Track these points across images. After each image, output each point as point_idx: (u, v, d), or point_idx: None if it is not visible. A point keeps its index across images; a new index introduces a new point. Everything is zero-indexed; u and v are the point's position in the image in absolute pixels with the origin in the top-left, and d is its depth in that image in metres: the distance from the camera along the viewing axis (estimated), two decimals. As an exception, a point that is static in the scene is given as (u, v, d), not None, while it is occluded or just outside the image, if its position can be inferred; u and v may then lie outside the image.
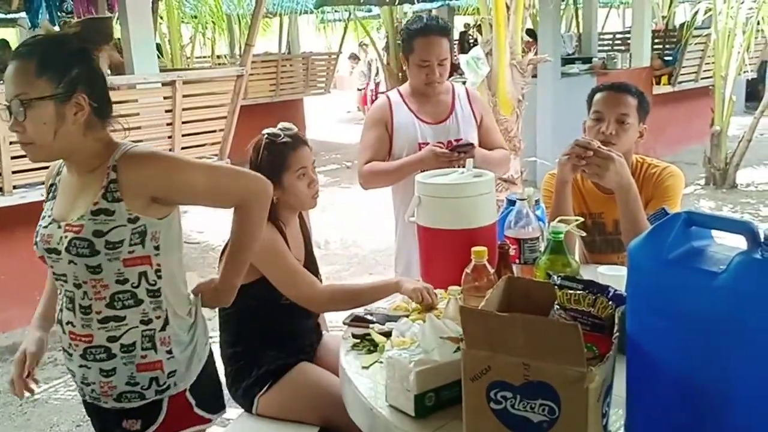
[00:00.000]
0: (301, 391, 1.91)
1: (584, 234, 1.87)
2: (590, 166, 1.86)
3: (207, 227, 5.98)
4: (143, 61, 4.58)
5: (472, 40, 11.24)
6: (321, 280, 2.13)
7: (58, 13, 6.24)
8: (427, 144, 2.35)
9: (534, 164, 5.72)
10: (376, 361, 1.54)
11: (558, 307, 1.28)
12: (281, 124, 2.02)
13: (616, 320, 1.20)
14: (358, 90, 13.46)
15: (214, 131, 4.76)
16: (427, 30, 2.32)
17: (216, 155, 4.69)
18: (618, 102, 2.03)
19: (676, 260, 1.04)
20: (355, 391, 1.44)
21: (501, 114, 4.47)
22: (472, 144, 2.30)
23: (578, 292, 1.28)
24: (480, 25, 13.22)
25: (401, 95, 2.47)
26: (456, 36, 12.20)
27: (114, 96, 3.93)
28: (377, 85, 12.73)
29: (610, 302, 1.25)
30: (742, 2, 6.44)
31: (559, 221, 1.65)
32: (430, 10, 10.67)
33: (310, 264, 2.09)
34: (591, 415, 1.02)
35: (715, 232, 1.09)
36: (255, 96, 9.13)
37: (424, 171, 2.25)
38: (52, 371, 3.44)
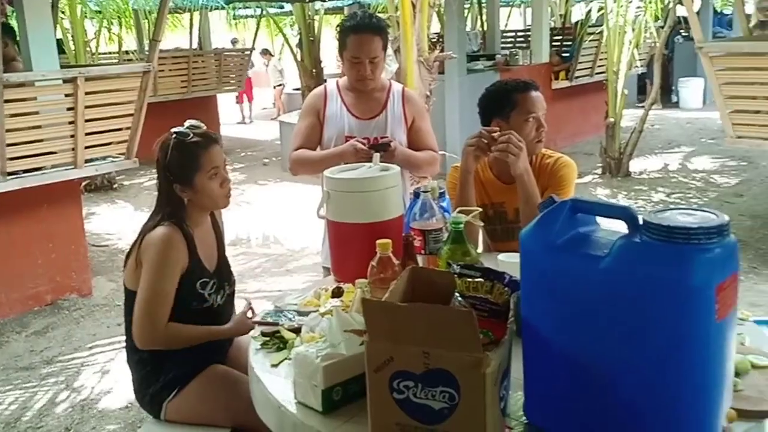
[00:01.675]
0: (212, 393, 1.84)
1: (482, 224, 1.91)
2: (505, 153, 1.91)
3: (119, 228, 5.72)
4: (42, 57, 4.29)
5: (390, 38, 11.25)
6: (234, 282, 2.07)
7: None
8: (353, 138, 2.33)
9: (444, 158, 5.80)
10: (285, 359, 1.50)
11: (458, 295, 1.29)
12: (189, 122, 1.92)
13: (512, 305, 1.22)
14: (275, 87, 13.24)
15: (120, 129, 4.54)
16: (359, 27, 2.29)
17: (122, 154, 4.47)
18: (542, 101, 2.09)
19: (563, 246, 1.07)
20: (263, 390, 1.41)
21: (410, 109, 4.51)
22: (388, 144, 2.28)
23: (476, 279, 1.30)
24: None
25: (338, 87, 2.46)
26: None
27: (10, 94, 3.65)
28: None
29: (506, 288, 1.28)
30: (631, 1, 6.79)
31: (459, 212, 1.67)
32: (361, 5, 10.62)
33: (222, 265, 2.02)
34: (489, 399, 1.04)
35: (601, 218, 1.13)
36: (166, 93, 8.79)
37: (346, 163, 2.24)
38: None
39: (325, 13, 11.77)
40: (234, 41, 14.27)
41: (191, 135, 1.87)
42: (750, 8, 6.97)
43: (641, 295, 0.96)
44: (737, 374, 1.24)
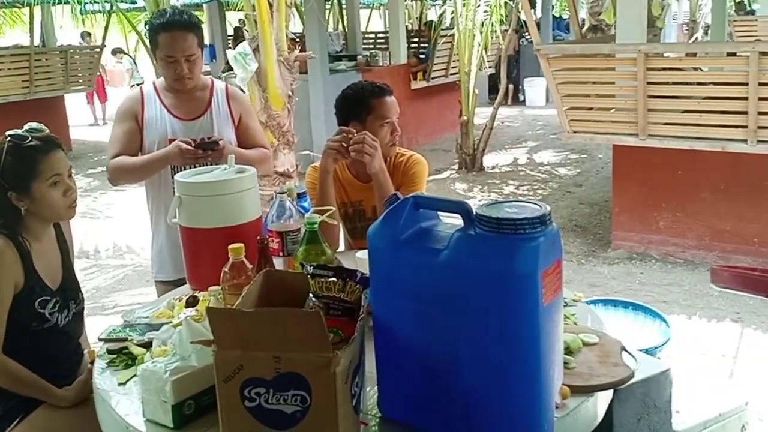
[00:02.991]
0: (59, 421, 1.67)
1: (336, 222, 1.91)
2: (361, 153, 1.92)
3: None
4: None
5: (249, 36, 11.01)
6: (82, 298, 1.89)
7: None
8: (177, 140, 2.19)
9: (308, 158, 5.77)
10: (133, 376, 1.40)
11: (312, 295, 1.27)
12: (29, 125, 1.72)
13: (363, 302, 1.22)
14: (131, 87, 12.46)
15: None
16: (169, 25, 2.15)
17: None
18: (396, 107, 2.13)
19: (407, 241, 1.09)
20: (109, 411, 1.30)
21: (273, 109, 4.43)
22: (216, 141, 2.16)
23: (329, 279, 1.29)
24: (245, 20, 13.00)
25: (156, 88, 2.29)
26: (230, 31, 11.86)
27: None
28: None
29: (358, 285, 1.28)
30: (478, 6, 7.13)
31: (313, 212, 1.65)
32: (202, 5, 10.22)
33: (68, 281, 1.83)
34: (340, 398, 1.03)
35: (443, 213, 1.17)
36: (5, 94, 7.99)
37: (180, 168, 2.14)
38: None
39: (187, 7, 11.25)
40: (84, 35, 13.23)
41: (29, 138, 1.67)
42: (583, 14, 7.57)
43: (475, 285, 0.99)
44: (570, 353, 1.33)
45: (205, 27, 14.21)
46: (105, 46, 10.10)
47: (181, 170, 2.18)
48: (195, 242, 1.88)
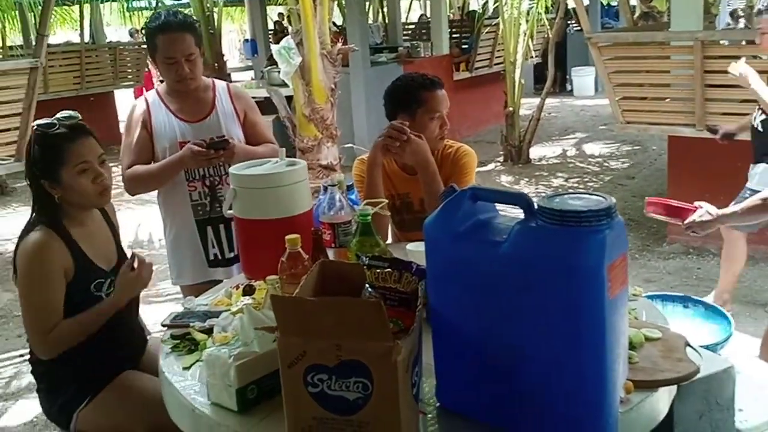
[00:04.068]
0: (126, 400, 1.76)
1: (388, 213, 1.93)
2: (409, 142, 1.94)
3: (12, 235, 5.33)
4: None
5: (292, 30, 11.15)
6: None
7: None
8: (188, 143, 2.23)
9: (351, 150, 5.83)
10: (197, 361, 1.47)
11: (368, 286, 1.31)
12: (61, 113, 1.78)
13: (420, 293, 1.25)
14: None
15: (9, 130, 4.25)
16: (166, 26, 2.19)
17: (12, 156, 4.18)
18: (447, 100, 2.13)
19: (465, 233, 1.11)
20: (175, 394, 1.37)
21: (316, 103, 4.48)
22: (227, 140, 2.21)
23: (385, 270, 1.32)
24: (290, 15, 13.10)
25: (159, 94, 2.34)
26: (270, 26, 12.00)
27: None
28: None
29: (414, 277, 1.30)
30: (524, -6, 7.04)
31: (366, 204, 1.68)
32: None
33: (122, 261, 1.92)
34: (401, 386, 1.06)
35: (499, 205, 1.18)
36: (57, 90, 8.27)
37: (193, 171, 2.23)
38: None
39: (224, 5, 11.46)
40: (133, 32, 13.59)
41: (57, 126, 1.72)
42: (634, 0, 7.37)
43: (538, 278, 1.01)
44: (633, 347, 1.32)
45: (245, 22, 14.42)
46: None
47: (194, 173, 2.27)
48: (249, 233, 1.94)
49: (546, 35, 8.20)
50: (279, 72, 5.96)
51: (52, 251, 1.70)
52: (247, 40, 11.45)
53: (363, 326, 1.05)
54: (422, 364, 1.21)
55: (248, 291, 1.76)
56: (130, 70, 9.53)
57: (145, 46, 9.87)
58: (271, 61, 9.03)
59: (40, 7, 9.44)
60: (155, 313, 1.84)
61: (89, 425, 1.77)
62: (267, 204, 1.89)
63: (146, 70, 9.73)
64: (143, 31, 2.34)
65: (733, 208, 2.14)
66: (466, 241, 1.09)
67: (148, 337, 2.06)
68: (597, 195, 1.07)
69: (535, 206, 1.06)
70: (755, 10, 3.23)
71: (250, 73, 10.77)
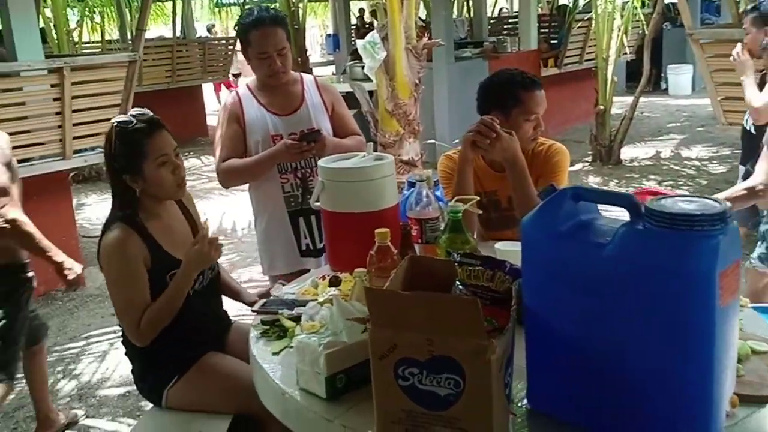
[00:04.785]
0: (212, 380, 1.85)
1: (480, 212, 1.92)
2: (482, 140, 1.92)
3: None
4: (26, 47, 4.25)
5: (378, 25, 11.27)
6: (218, 264, 2.03)
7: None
8: (280, 136, 2.32)
9: (433, 146, 5.83)
10: (286, 347, 1.52)
11: (459, 283, 1.31)
12: (135, 110, 1.88)
13: (513, 293, 1.24)
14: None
15: (108, 120, 4.50)
16: (259, 22, 2.26)
17: (111, 145, 4.44)
18: (545, 101, 2.09)
19: (566, 233, 1.08)
20: (266, 378, 1.42)
21: (399, 98, 4.50)
22: (318, 131, 2.27)
23: (477, 267, 1.32)
24: (375, 10, 13.23)
25: (250, 89, 2.41)
26: (353, 21, 12.16)
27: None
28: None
29: (507, 276, 1.29)
30: (620, -12, 6.81)
31: (457, 201, 1.68)
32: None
33: None
34: (494, 385, 1.05)
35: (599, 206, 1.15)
36: (150, 83, 8.71)
37: (286, 165, 2.30)
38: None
39: (309, 0, 11.69)
40: (210, 27, 14.10)
41: (134, 122, 1.80)
42: (739, -6, 6.97)
43: (645, 282, 0.97)
44: (738, 360, 1.26)
45: (328, 17, 14.67)
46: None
47: (286, 166, 2.33)
48: (336, 225, 1.98)
49: (641, 31, 7.88)
50: (362, 67, 6.03)
51: (131, 246, 1.79)
52: (329, 35, 11.65)
53: (457, 323, 1.05)
54: (513, 366, 1.20)
55: (334, 282, 1.80)
56: (217, 65, 9.90)
57: (233, 42, 10.36)
58: (354, 56, 9.15)
59: (136, 3, 10.05)
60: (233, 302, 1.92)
61: (179, 402, 1.87)
62: (354, 197, 1.92)
63: (229, 77, 10.00)
64: (236, 28, 2.47)
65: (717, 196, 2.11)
66: (568, 242, 1.07)
67: (232, 321, 2.15)
68: (709, 198, 1.02)
69: (643, 208, 1.03)
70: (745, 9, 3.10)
71: (331, 68, 10.95)
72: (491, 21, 10.63)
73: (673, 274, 0.94)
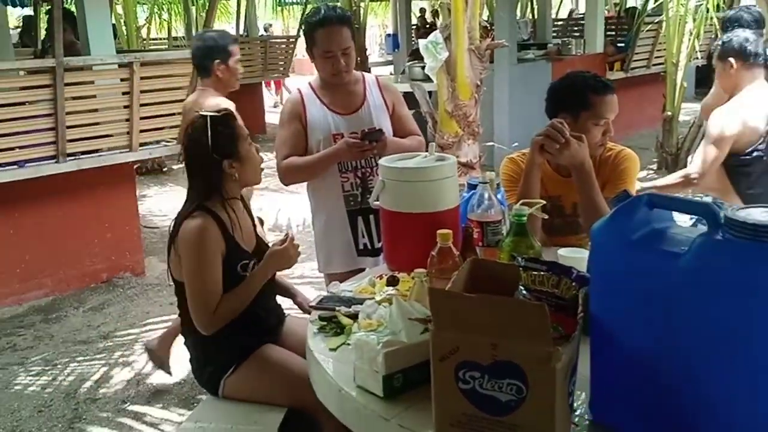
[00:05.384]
0: (268, 372, 1.89)
1: (546, 216, 1.89)
2: (550, 143, 1.88)
3: (169, 211, 5.86)
4: (99, 42, 4.44)
5: (441, 25, 11.28)
6: None
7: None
8: (341, 135, 2.34)
9: (491, 149, 5.77)
10: (343, 343, 1.53)
11: (522, 288, 1.29)
12: (202, 111, 1.99)
13: (580, 301, 1.21)
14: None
15: (173, 114, 4.65)
16: (325, 21, 2.29)
17: (175, 139, 4.58)
18: (615, 104, 2.04)
19: (639, 242, 1.05)
20: (323, 373, 1.44)
21: (460, 99, 4.48)
22: (381, 130, 2.29)
23: (542, 273, 1.29)
24: (436, 10, 13.18)
25: (312, 88, 2.44)
26: (415, 21, 12.17)
27: (70, 77, 3.80)
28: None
29: (574, 283, 1.26)
30: (693, -10, 6.58)
31: (522, 204, 1.66)
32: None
33: (261, 244, 2.06)
34: (558, 394, 1.03)
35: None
36: (213, 79, 8.91)
37: (346, 164, 2.34)
38: (10, 357, 3.35)
39: (371, 0, 11.76)
40: (266, 27, 14.34)
41: (219, 112, 1.95)
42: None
43: (724, 294, 0.94)
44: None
45: (387, 17, 14.72)
46: (299, 36, 10.88)
47: (346, 165, 2.36)
48: (395, 225, 1.98)
49: (714, 35, 7.59)
50: (422, 67, 6.02)
51: (211, 235, 1.87)
52: (389, 35, 11.69)
53: (522, 328, 1.04)
54: (577, 376, 1.18)
55: (392, 282, 1.81)
56: (279, 63, 10.06)
57: (293, 40, 10.52)
58: (413, 56, 9.15)
59: (202, 1, 10.33)
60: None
61: (235, 392, 1.91)
62: (414, 197, 1.92)
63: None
64: (302, 26, 2.53)
65: (653, 183, 2.05)
66: (641, 251, 1.04)
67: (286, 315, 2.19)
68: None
69: (722, 218, 0.99)
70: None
71: (390, 68, 10.99)
72: (557, 22, 10.44)
73: (753, 287, 0.90)
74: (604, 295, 1.12)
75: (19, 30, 8.48)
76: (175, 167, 7.67)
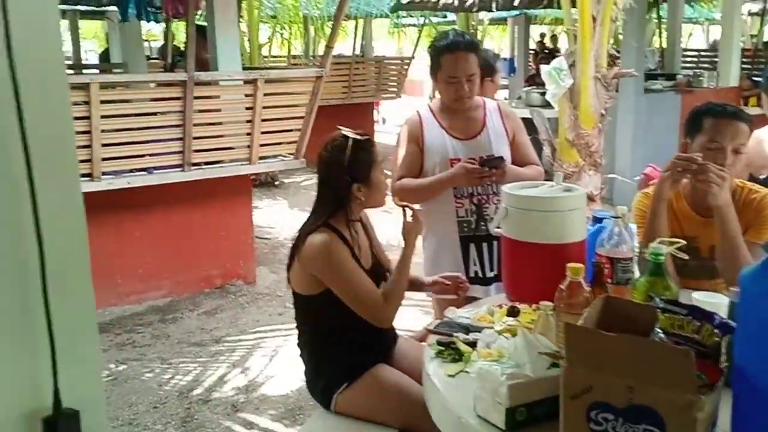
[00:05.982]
0: (380, 392, 1.94)
1: (687, 257, 1.82)
2: (704, 182, 1.84)
3: (279, 223, 6.12)
4: (227, 58, 4.74)
5: (565, 51, 11.16)
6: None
7: (147, 8, 6.52)
8: (458, 159, 2.36)
9: (613, 181, 5.60)
10: (461, 370, 1.55)
11: (660, 330, 1.26)
12: (344, 130, 2.06)
13: (723, 349, 1.17)
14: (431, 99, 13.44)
15: (291, 130, 4.88)
16: (453, 46, 2.33)
17: (292, 154, 4.80)
18: (736, 131, 1.97)
19: (799, 292, 1.01)
20: (441, 399, 1.46)
21: (582, 128, 4.41)
22: (501, 158, 2.30)
23: (682, 316, 1.26)
24: (555, 35, 12.99)
25: (432, 111, 2.48)
26: (532, 45, 12.07)
27: (198, 91, 4.07)
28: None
29: (716, 330, 1.23)
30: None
31: (660, 242, 1.62)
32: (506, 19, 10.61)
33: (377, 263, 2.10)
34: (699, 445, 1.01)
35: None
36: (327, 97, 9.24)
37: (463, 188, 2.36)
38: (130, 352, 3.61)
39: (489, 23, 11.82)
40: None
41: (360, 136, 2.03)
42: None
43: None
44: None
45: (503, 40, 14.70)
46: (414, 57, 11.09)
47: (462, 190, 2.38)
48: (517, 255, 1.98)
49: None
50: (540, 93, 5.97)
51: (338, 244, 1.95)
52: (505, 59, 11.66)
53: (664, 372, 1.02)
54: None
55: (512, 312, 1.81)
56: (392, 83, 10.30)
57: (408, 62, 10.74)
58: (530, 82, 9.09)
59: (320, 21, 10.78)
60: (398, 317, 2.01)
61: (347, 408, 1.97)
62: (540, 227, 1.92)
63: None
64: (429, 50, 2.60)
65: None
66: (800, 301, 1.00)
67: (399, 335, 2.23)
68: None
69: None
70: None
71: (505, 93, 10.96)
72: (685, 53, 10.02)
73: None
74: (751, 345, 1.08)
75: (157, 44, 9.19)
76: (286, 181, 8.01)
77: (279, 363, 3.38)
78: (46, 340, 0.94)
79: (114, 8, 7.50)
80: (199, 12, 5.21)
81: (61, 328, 0.95)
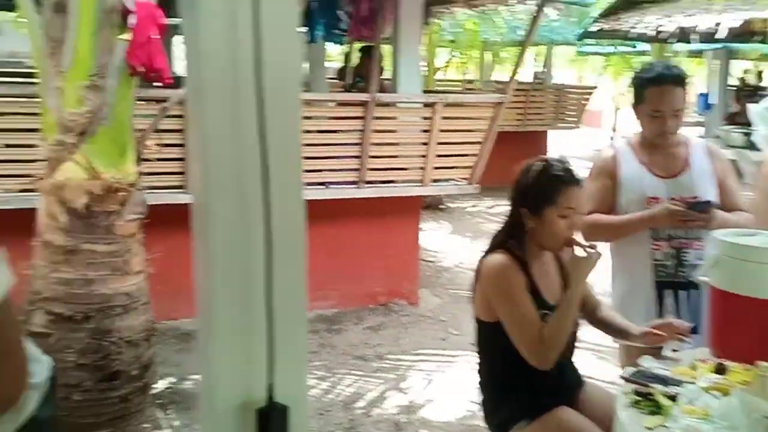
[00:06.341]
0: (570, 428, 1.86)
1: None
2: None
3: (443, 248, 6.18)
4: (408, 82, 4.89)
5: (749, 87, 10.28)
6: (577, 321, 2.02)
7: (334, 30, 6.95)
8: (657, 198, 2.22)
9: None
10: (661, 425, 1.46)
11: None
12: (558, 156, 1.99)
13: None
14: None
15: (466, 155, 4.92)
16: (660, 79, 2.21)
17: (465, 179, 4.82)
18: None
19: None
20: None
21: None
22: (709, 202, 2.15)
23: None
24: (760, 72, 11.92)
25: (630, 146, 2.36)
26: (735, 81, 11.19)
27: (378, 112, 4.22)
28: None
29: None
30: None
31: None
32: (702, 52, 9.92)
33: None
34: None
35: None
36: (501, 124, 9.20)
37: (652, 228, 2.23)
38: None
39: (688, 55, 11.15)
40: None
41: (557, 166, 1.91)
42: None
43: None
44: None
45: (701, 74, 13.75)
46: (596, 87, 10.74)
47: (661, 232, 2.24)
48: (728, 308, 1.85)
49: None
50: (744, 133, 5.52)
51: (514, 273, 1.91)
52: (700, 94, 10.91)
53: None
54: None
55: (719, 370, 1.68)
56: (570, 113, 10.03)
57: (589, 91, 10.41)
58: (730, 120, 8.41)
59: (498, 47, 10.81)
60: (580, 361, 1.91)
61: (523, 445, 1.91)
62: (759, 280, 1.77)
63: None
64: (633, 81, 2.51)
65: None
66: None
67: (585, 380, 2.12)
68: None
69: None
70: None
71: (699, 130, 10.24)
72: None
73: None
74: None
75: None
76: (451, 206, 8.07)
77: (440, 387, 3.39)
78: (264, 338, 1.02)
79: (303, 29, 8.08)
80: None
81: (278, 328, 1.02)
